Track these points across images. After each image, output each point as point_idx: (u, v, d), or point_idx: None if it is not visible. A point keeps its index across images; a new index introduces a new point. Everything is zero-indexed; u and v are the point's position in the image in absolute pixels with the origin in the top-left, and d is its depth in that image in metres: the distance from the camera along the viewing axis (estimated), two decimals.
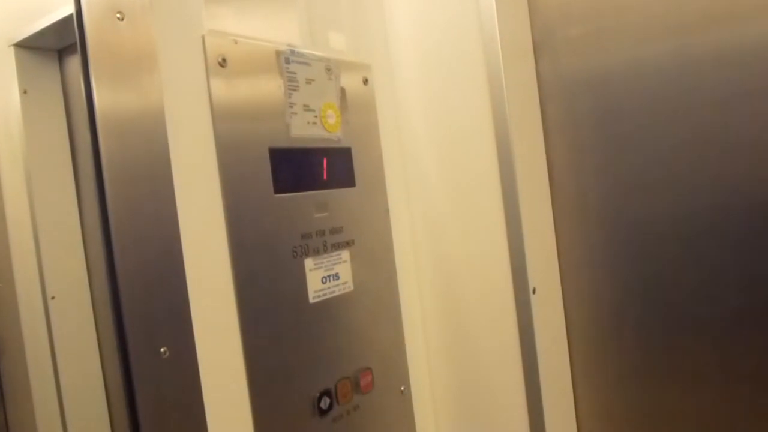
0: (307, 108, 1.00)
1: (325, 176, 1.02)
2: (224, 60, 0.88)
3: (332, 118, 1.05)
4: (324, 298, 0.99)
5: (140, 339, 0.70)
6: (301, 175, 0.98)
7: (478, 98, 1.13)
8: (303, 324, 0.95)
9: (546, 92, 1.21)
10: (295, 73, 0.99)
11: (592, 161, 1.17)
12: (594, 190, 1.18)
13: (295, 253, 0.95)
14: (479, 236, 1.17)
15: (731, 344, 1.06)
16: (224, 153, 0.86)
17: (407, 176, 1.24)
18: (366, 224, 1.10)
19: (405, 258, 1.20)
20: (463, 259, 1.19)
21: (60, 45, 1.14)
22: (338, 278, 1.02)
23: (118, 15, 0.78)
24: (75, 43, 0.73)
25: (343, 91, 1.08)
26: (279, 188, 0.93)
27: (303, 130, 0.99)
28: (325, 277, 1.00)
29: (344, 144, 1.07)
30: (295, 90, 0.99)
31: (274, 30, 0.99)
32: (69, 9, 0.76)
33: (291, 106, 0.98)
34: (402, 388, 1.15)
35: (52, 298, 1.11)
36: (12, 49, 1.11)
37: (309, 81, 1.01)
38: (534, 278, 1.12)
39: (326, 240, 1.01)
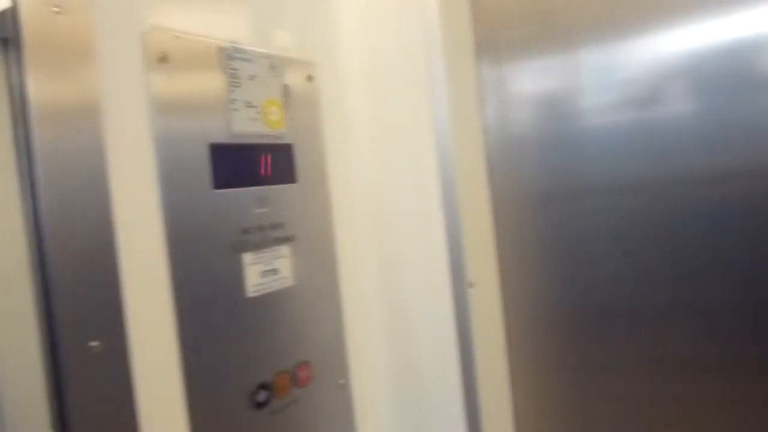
0: (249, 104, 1.01)
1: (265, 172, 1.03)
2: (165, 56, 0.89)
3: (275, 114, 1.06)
4: (263, 292, 1.01)
5: (69, 331, 0.71)
6: (241, 171, 0.99)
7: (419, 96, 1.16)
8: (241, 317, 0.96)
9: (487, 91, 1.24)
10: (237, 69, 1.00)
11: (531, 160, 1.21)
12: (532, 186, 1.22)
13: (234, 248, 0.96)
14: (418, 232, 1.20)
15: (664, 335, 1.12)
16: (163, 148, 0.87)
17: (350, 173, 1.26)
18: (307, 220, 1.11)
19: (347, 253, 1.22)
20: (404, 255, 1.22)
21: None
22: (277, 273, 1.04)
23: (56, 8, 0.77)
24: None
25: (286, 88, 1.09)
26: (219, 183, 0.94)
27: (244, 126, 1.00)
28: (264, 271, 1.01)
29: (286, 140, 1.08)
30: (237, 86, 0.99)
31: (218, 26, 0.99)
32: (7, 2, 0.75)
33: (232, 102, 0.98)
34: (341, 381, 1.17)
35: None
36: None
37: (252, 77, 1.02)
38: (471, 273, 1.16)
39: (267, 235, 1.02)
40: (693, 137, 1.05)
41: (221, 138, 0.96)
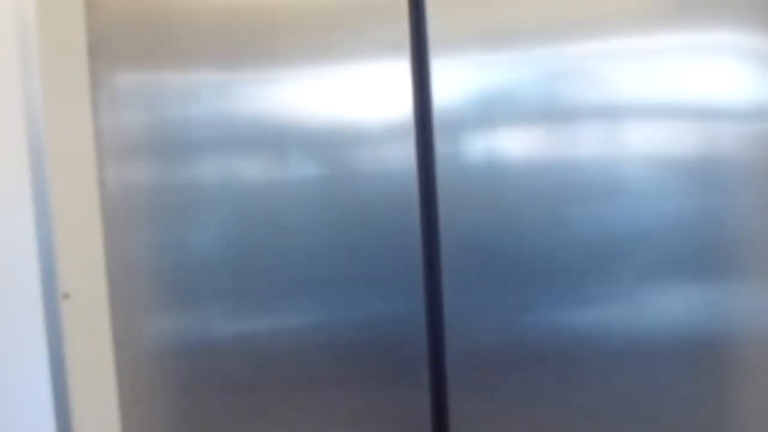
0: None
1: None
2: None
3: None
4: None
5: None
6: None
7: (9, 91, 1.02)
8: None
9: (102, 95, 1.14)
10: None
11: (144, 167, 1.14)
12: (145, 191, 1.14)
13: None
14: (5, 233, 1.03)
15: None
16: None
17: None
18: None
19: None
20: None
21: None
22: None
23: None
24: None
25: None
26: None
27: None
28: None
29: None
30: None
31: None
32: None
33: None
34: None
35: None
36: None
37: None
38: (67, 282, 1.02)
39: None
40: None
41: None
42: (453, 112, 1.07)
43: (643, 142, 1.06)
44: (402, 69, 1.08)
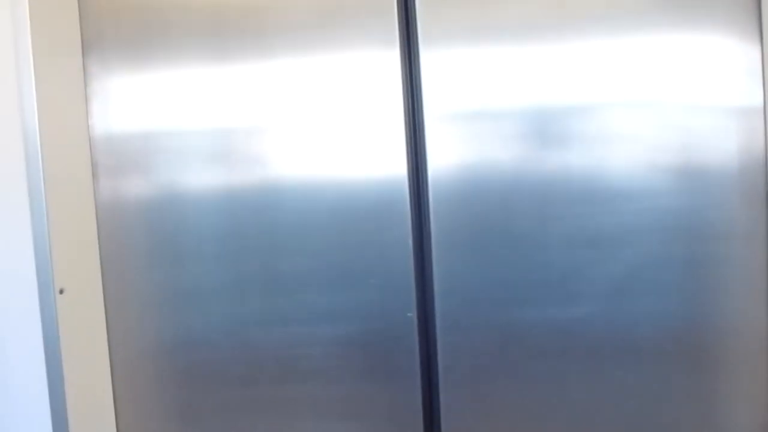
0: None
1: None
2: None
3: None
4: None
5: None
6: None
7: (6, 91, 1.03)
8: None
9: (94, 90, 1.15)
10: None
11: (137, 163, 1.15)
12: (137, 188, 1.16)
13: None
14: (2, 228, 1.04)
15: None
16: None
17: None
18: None
19: None
20: None
21: None
22: None
23: None
24: None
25: None
26: None
27: None
28: None
29: None
30: None
31: None
32: None
33: None
34: None
35: None
36: None
37: None
38: (62, 278, 1.03)
39: None
40: None
41: None
42: (443, 106, 1.09)
43: (629, 141, 1.07)
44: (392, 61, 1.09)
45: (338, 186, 1.12)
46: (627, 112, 1.08)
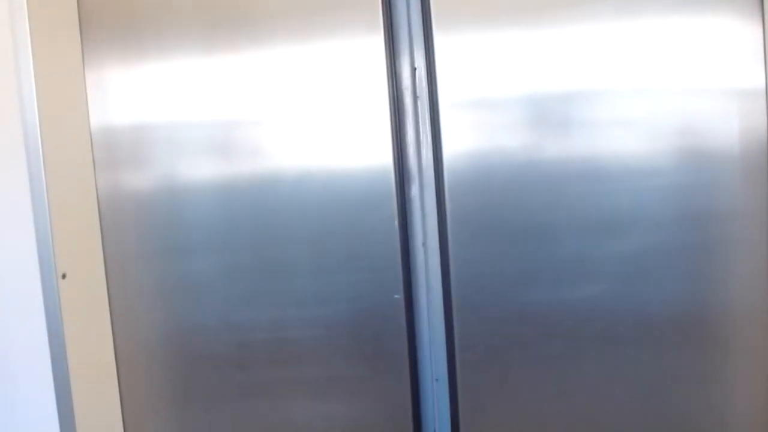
0: None
1: None
2: None
3: None
4: None
5: None
6: None
7: (4, 80, 1.04)
8: None
9: (91, 77, 1.16)
10: None
11: (134, 151, 1.16)
12: (136, 176, 1.17)
13: None
14: (3, 216, 1.05)
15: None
16: None
17: None
18: None
19: None
20: None
21: None
22: None
23: None
24: None
25: None
26: None
27: None
28: None
29: None
30: None
31: None
32: None
33: None
34: None
35: None
36: None
37: None
38: (64, 263, 1.04)
39: None
40: None
41: None
42: (456, 93, 1.10)
43: (637, 124, 1.07)
44: (377, 48, 1.10)
45: (326, 175, 1.13)
46: (634, 96, 1.07)
